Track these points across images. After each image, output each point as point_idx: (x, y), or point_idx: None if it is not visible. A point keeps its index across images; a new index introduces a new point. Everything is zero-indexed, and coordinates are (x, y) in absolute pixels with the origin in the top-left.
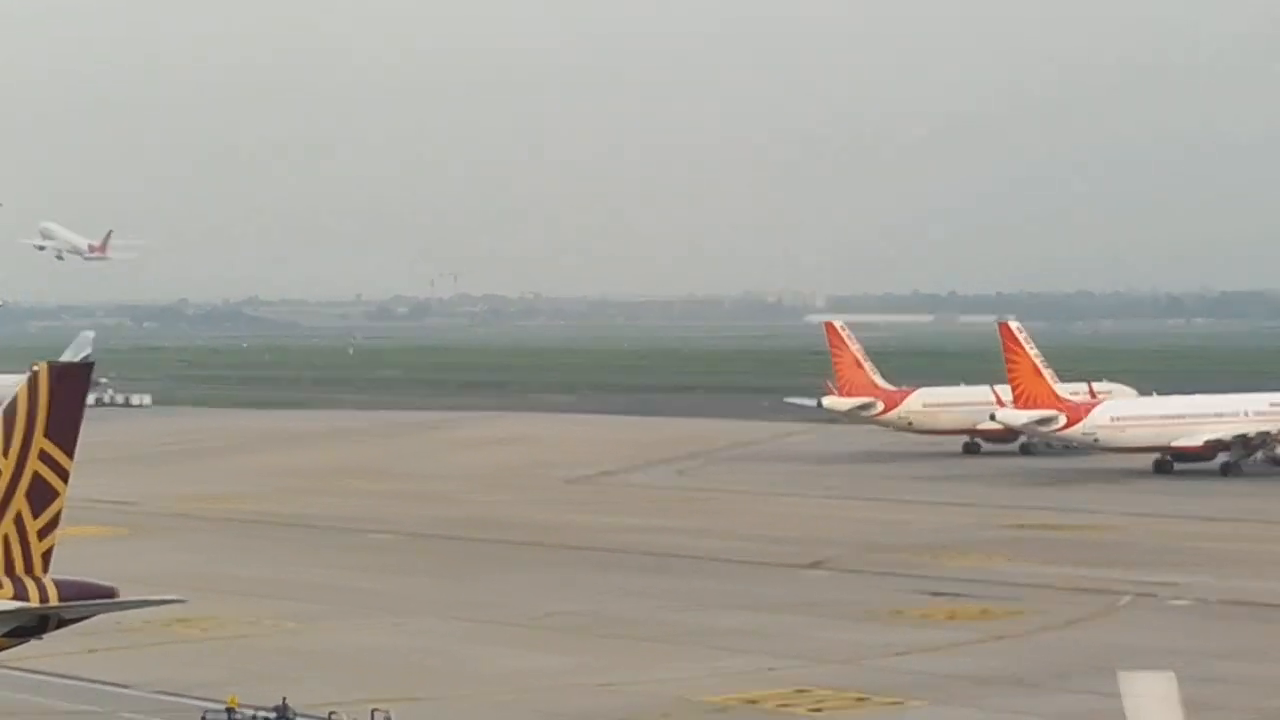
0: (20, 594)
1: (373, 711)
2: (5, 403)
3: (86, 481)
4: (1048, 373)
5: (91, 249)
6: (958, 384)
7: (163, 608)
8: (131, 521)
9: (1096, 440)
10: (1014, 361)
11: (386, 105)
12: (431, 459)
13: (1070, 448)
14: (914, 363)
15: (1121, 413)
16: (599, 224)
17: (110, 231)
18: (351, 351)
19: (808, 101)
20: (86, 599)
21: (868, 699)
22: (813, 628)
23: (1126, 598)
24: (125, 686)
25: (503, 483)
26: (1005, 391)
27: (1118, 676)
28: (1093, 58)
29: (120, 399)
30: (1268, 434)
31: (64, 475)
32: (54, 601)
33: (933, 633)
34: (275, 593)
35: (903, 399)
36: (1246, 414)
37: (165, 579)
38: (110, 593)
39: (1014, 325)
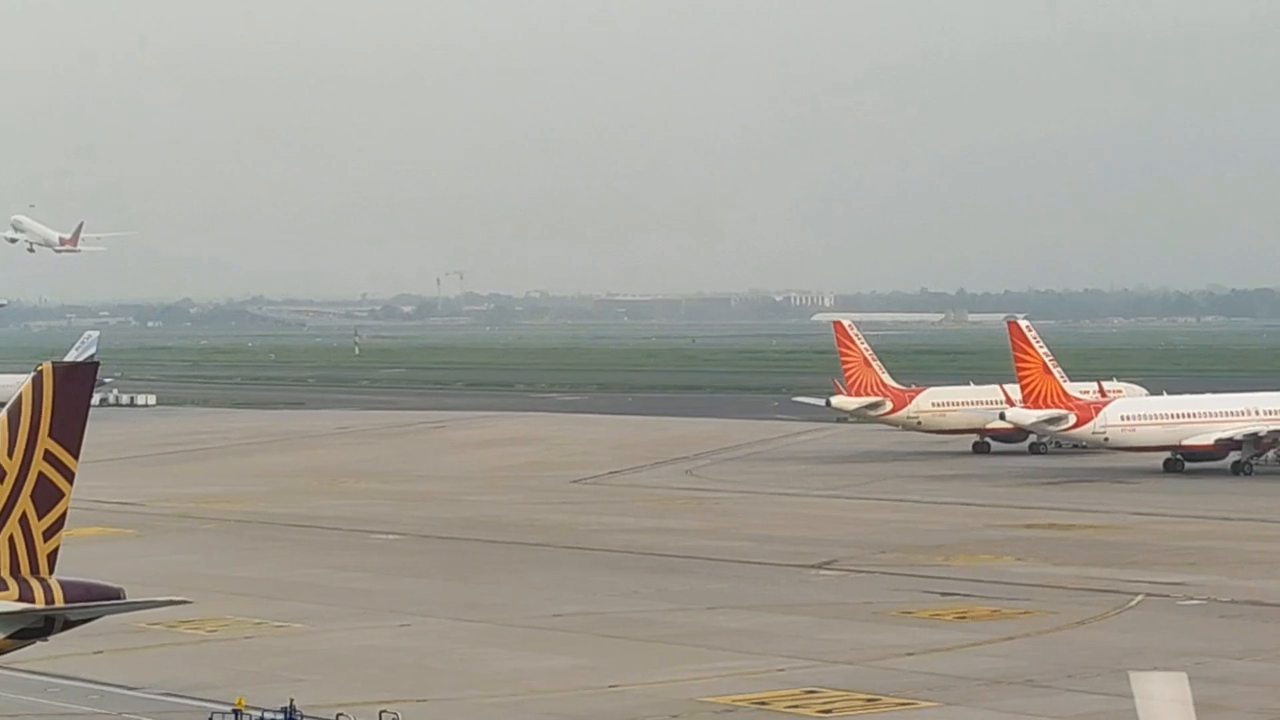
0: (26, 595)
1: (380, 713)
2: (9, 403)
3: (92, 482)
4: (1057, 371)
5: (63, 241)
6: (967, 383)
7: (169, 609)
8: (137, 522)
9: (1106, 439)
10: (1023, 360)
11: (391, 101)
12: (437, 459)
13: (1080, 447)
14: (922, 361)
15: (1131, 411)
16: (605, 222)
17: (81, 224)
18: (357, 351)
19: (813, 96)
20: (92, 600)
21: (878, 700)
22: (822, 628)
23: (1137, 598)
24: (131, 688)
25: (509, 483)
26: (1015, 390)
27: (1129, 677)
28: (1098, 44)
29: (125, 399)
30: (1279, 433)
31: (69, 476)
32: (60, 603)
33: (943, 633)
34: (281, 594)
35: (911, 398)
36: (1257, 413)
37: (171, 580)
38: (116, 594)
39: (1023, 324)
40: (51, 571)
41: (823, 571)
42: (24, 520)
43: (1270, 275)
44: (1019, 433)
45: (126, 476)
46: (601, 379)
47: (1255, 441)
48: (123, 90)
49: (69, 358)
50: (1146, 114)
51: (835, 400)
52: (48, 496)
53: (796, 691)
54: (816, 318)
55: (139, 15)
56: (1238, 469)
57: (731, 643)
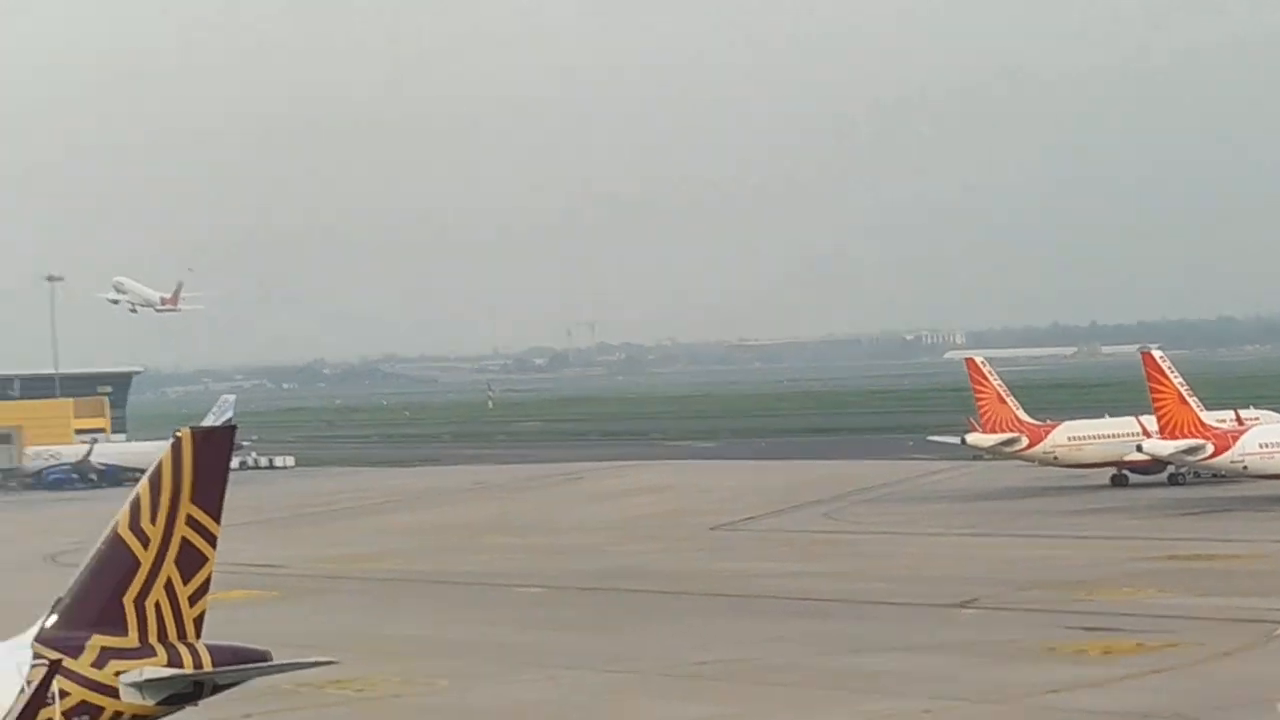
0: (174, 660)
1: None
2: (150, 470)
3: (234, 545)
4: (1193, 401)
5: (163, 301)
6: (1102, 416)
7: (316, 670)
8: (281, 584)
9: (1245, 468)
10: (1159, 391)
11: (512, 156)
12: (575, 511)
13: (1219, 476)
14: (1057, 396)
15: (1270, 439)
16: (733, 268)
17: (180, 284)
18: (490, 405)
19: (937, 139)
20: (240, 663)
21: None
22: (966, 667)
23: None
24: None
25: (647, 532)
26: (1150, 421)
27: (1277, 710)
28: (1225, 62)
29: (264, 461)
30: None
31: (212, 540)
32: (208, 667)
33: (1088, 669)
34: (426, 650)
35: (1047, 433)
36: None
37: (317, 640)
38: (263, 656)
39: (1157, 354)
40: (199, 636)
41: (965, 610)
42: (169, 586)
43: None
44: (1157, 464)
45: (268, 538)
46: (735, 424)
47: None
48: (257, 153)
49: (207, 422)
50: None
51: (970, 438)
52: (192, 561)
53: None
54: (948, 355)
55: (270, 75)
56: None
57: (877, 685)
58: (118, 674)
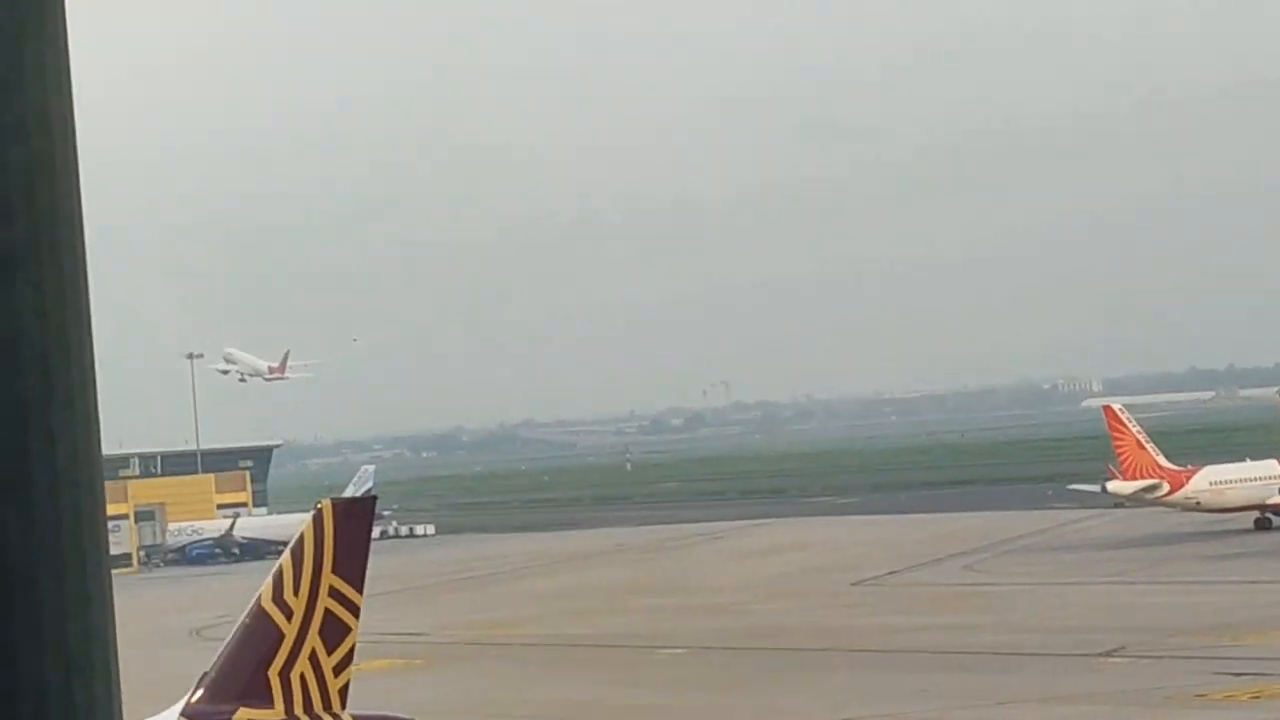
0: None
1: None
2: (292, 542)
3: (377, 615)
4: None
5: (271, 370)
6: (1243, 459)
7: None
8: (424, 652)
9: None
10: None
11: (645, 230)
12: (716, 570)
13: None
14: (1196, 441)
15: None
16: (865, 322)
17: (288, 351)
18: (629, 467)
19: (1065, 189)
20: None
21: None
22: (1114, 717)
23: None
24: None
25: (788, 590)
26: None
27: None
28: None
29: (404, 530)
30: None
31: (355, 610)
32: None
33: (1239, 714)
34: (571, 715)
35: (1188, 479)
36: None
37: (461, 707)
38: None
39: None
40: (344, 706)
41: (1111, 659)
42: (314, 657)
43: None
44: None
45: (411, 607)
46: (874, 479)
47: None
48: (384, 220)
49: (347, 493)
50: None
51: (1111, 485)
52: (335, 632)
53: None
54: (1085, 404)
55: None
56: None
57: None
58: None
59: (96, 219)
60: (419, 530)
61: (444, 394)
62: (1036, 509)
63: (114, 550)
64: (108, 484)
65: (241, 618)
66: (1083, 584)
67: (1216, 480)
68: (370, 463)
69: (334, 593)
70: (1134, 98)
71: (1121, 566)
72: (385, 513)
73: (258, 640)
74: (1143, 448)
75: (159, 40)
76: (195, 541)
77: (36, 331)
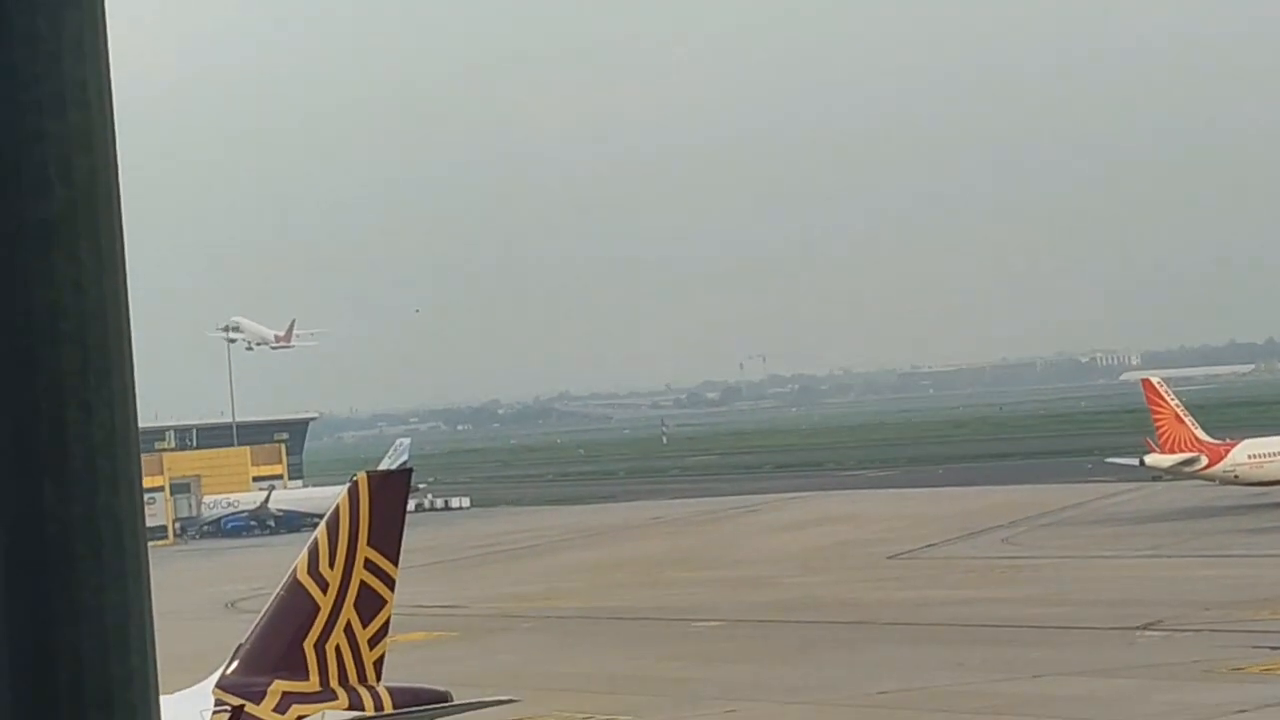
0: (355, 704)
1: None
2: (328, 514)
3: (412, 587)
4: None
5: (277, 339)
6: None
7: (497, 709)
8: (459, 624)
9: None
10: None
11: (681, 202)
12: (751, 543)
13: None
14: (1236, 414)
15: None
16: (903, 294)
17: (293, 321)
18: (665, 441)
19: (1109, 160)
20: (420, 704)
21: None
22: (1151, 690)
23: None
24: None
25: (824, 563)
26: None
27: None
28: None
29: (440, 503)
30: None
31: (390, 583)
32: (388, 709)
33: (1275, 688)
34: (606, 687)
35: (1227, 452)
36: None
37: (496, 680)
38: (444, 697)
39: None
40: (379, 678)
41: (1149, 632)
42: (349, 629)
43: None
44: None
45: (446, 579)
46: (910, 452)
47: None
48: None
49: (383, 466)
50: None
51: (1149, 459)
52: (370, 605)
53: None
54: (1124, 377)
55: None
56: None
57: (1061, 710)
58: (300, 718)
59: (132, 192)
60: (454, 503)
61: (480, 367)
62: (1074, 482)
63: (150, 523)
64: (144, 457)
65: (277, 590)
66: (1120, 557)
67: (1255, 453)
68: (406, 435)
69: (369, 565)
70: (1173, 51)
71: (1159, 540)
72: (420, 485)
73: (293, 613)
74: (1181, 421)
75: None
76: (231, 514)
77: (73, 304)
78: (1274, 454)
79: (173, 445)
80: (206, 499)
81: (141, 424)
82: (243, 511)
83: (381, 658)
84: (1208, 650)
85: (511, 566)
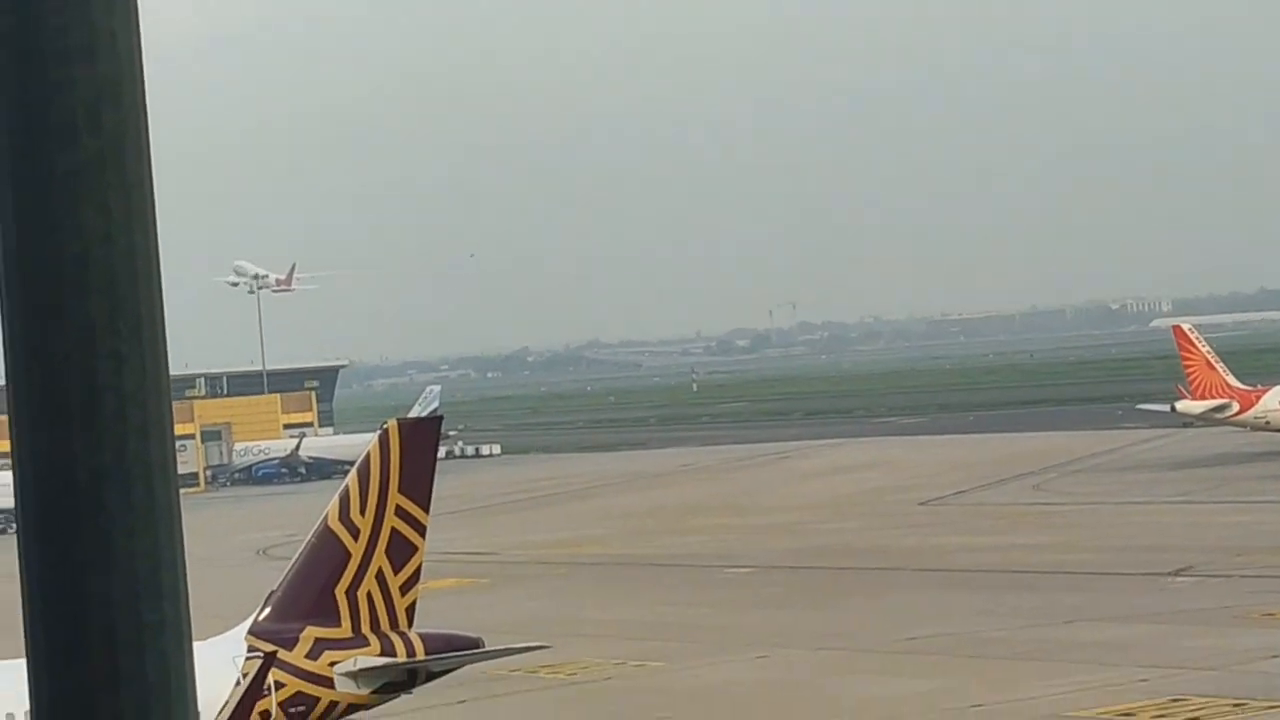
0: (387, 650)
1: None
2: (358, 462)
3: (444, 534)
4: None
5: (278, 282)
6: None
7: (528, 654)
8: (490, 571)
9: None
10: None
11: (713, 150)
12: (781, 490)
13: None
14: (1267, 360)
15: None
16: (933, 242)
17: (294, 264)
18: (695, 388)
19: (1139, 109)
20: (452, 651)
21: (1245, 704)
22: (1182, 636)
23: None
24: None
25: (855, 510)
26: None
27: None
28: None
29: (470, 450)
30: None
31: (421, 530)
32: (420, 655)
33: None
34: (637, 634)
35: (1258, 398)
36: None
37: (527, 626)
38: (475, 643)
39: None
40: (411, 625)
41: (1179, 578)
42: (380, 576)
43: None
44: None
45: (477, 526)
46: (941, 399)
47: None
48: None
49: (413, 413)
50: None
51: (1180, 405)
52: (402, 551)
53: (1162, 700)
54: (1155, 324)
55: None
56: None
57: (1092, 655)
58: (332, 664)
59: (161, 141)
60: (485, 450)
61: (510, 314)
62: (1105, 429)
63: (181, 470)
64: (175, 404)
65: (308, 537)
66: (1150, 503)
67: None
68: (436, 383)
69: (400, 512)
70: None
71: (1189, 486)
72: (451, 433)
73: (325, 560)
74: (1212, 367)
75: None
76: (261, 461)
77: (103, 254)
78: None
79: (203, 393)
80: (237, 446)
81: (172, 372)
82: (273, 459)
83: (413, 604)
84: (1239, 596)
85: (542, 513)
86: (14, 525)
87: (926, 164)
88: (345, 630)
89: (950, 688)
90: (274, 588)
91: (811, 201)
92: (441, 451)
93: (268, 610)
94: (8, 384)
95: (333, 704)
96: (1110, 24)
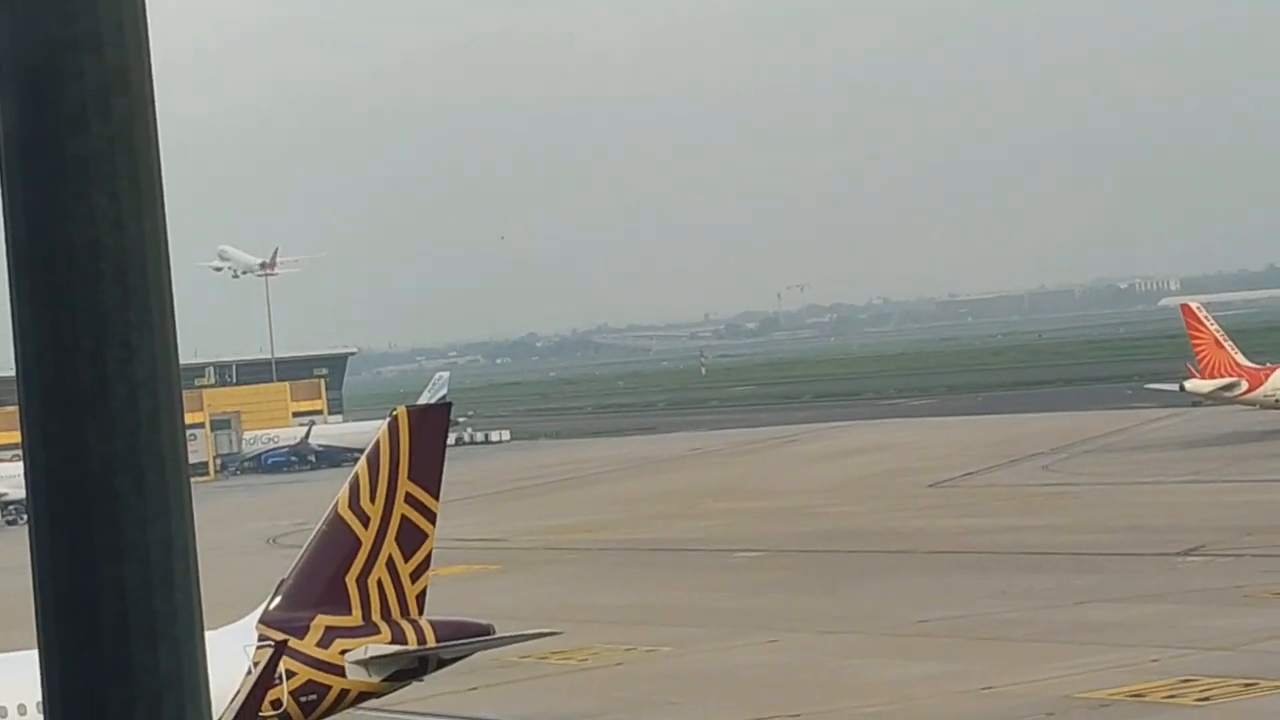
0: (398, 637)
1: None
2: (368, 449)
3: (454, 521)
4: None
5: (263, 267)
6: None
7: (539, 641)
8: (500, 557)
9: None
10: None
11: (718, 131)
12: (790, 473)
13: None
14: (1275, 338)
15: None
16: (941, 223)
17: (276, 249)
18: (704, 371)
19: (1146, 86)
20: (463, 638)
21: (1256, 683)
22: (1193, 616)
23: None
24: None
25: (864, 492)
26: None
27: None
28: None
29: (479, 436)
30: None
31: (431, 517)
32: (431, 642)
33: None
34: (647, 619)
35: (1267, 376)
36: None
37: (538, 612)
38: (486, 630)
39: None
40: (421, 612)
41: (1189, 558)
42: (391, 564)
43: None
44: None
45: (487, 512)
46: (950, 381)
47: None
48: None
49: (422, 400)
50: None
51: (1189, 384)
52: (412, 539)
53: (1172, 680)
54: (1163, 303)
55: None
56: None
57: (1102, 636)
58: (343, 652)
59: (169, 128)
60: (494, 436)
61: (518, 299)
62: (1114, 409)
63: (191, 459)
64: (184, 393)
65: (319, 525)
66: (1160, 483)
67: None
68: (444, 369)
69: (410, 499)
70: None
71: (1199, 465)
72: (460, 419)
73: (335, 547)
74: (1221, 346)
75: None
76: (271, 449)
77: (113, 242)
78: None
79: (213, 381)
80: (247, 435)
81: (181, 360)
82: (283, 447)
83: (423, 591)
84: (1249, 575)
85: (552, 499)
86: (25, 517)
87: (934, 145)
88: (356, 618)
89: (961, 670)
90: (284, 576)
91: (819, 183)
92: (451, 438)
93: (278, 599)
94: (18, 373)
95: (344, 692)
96: (1118, 1)
